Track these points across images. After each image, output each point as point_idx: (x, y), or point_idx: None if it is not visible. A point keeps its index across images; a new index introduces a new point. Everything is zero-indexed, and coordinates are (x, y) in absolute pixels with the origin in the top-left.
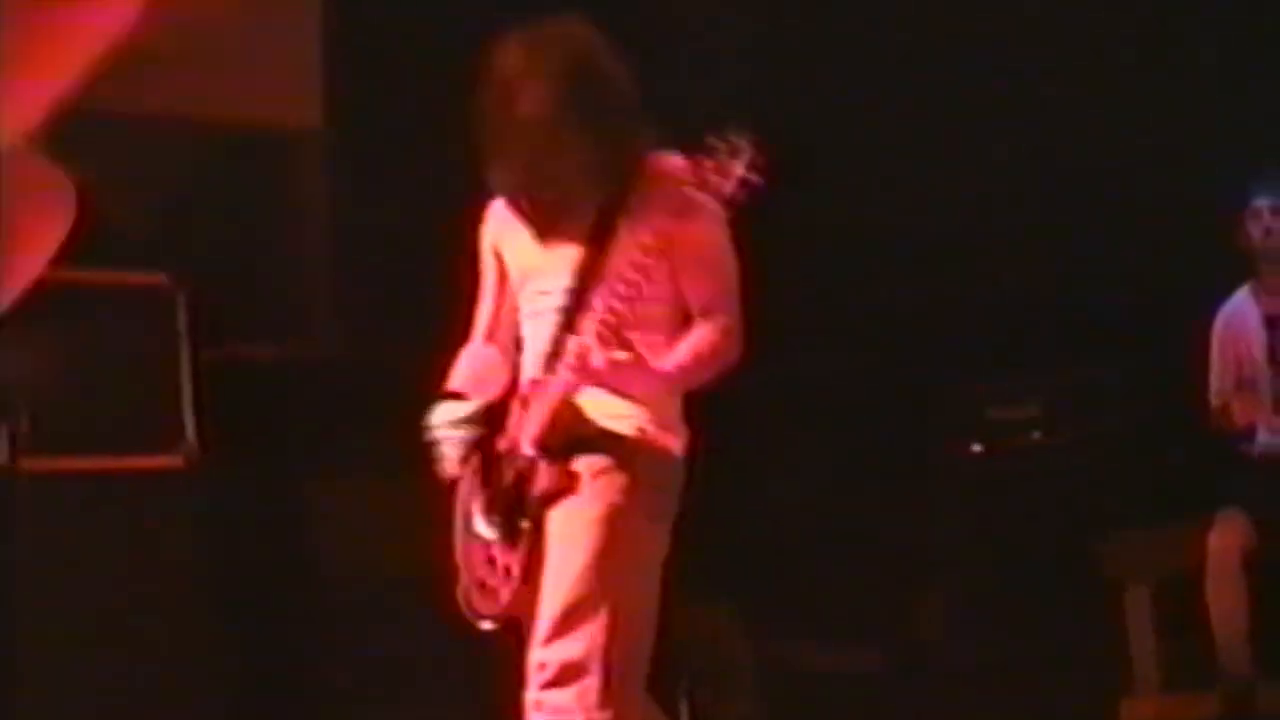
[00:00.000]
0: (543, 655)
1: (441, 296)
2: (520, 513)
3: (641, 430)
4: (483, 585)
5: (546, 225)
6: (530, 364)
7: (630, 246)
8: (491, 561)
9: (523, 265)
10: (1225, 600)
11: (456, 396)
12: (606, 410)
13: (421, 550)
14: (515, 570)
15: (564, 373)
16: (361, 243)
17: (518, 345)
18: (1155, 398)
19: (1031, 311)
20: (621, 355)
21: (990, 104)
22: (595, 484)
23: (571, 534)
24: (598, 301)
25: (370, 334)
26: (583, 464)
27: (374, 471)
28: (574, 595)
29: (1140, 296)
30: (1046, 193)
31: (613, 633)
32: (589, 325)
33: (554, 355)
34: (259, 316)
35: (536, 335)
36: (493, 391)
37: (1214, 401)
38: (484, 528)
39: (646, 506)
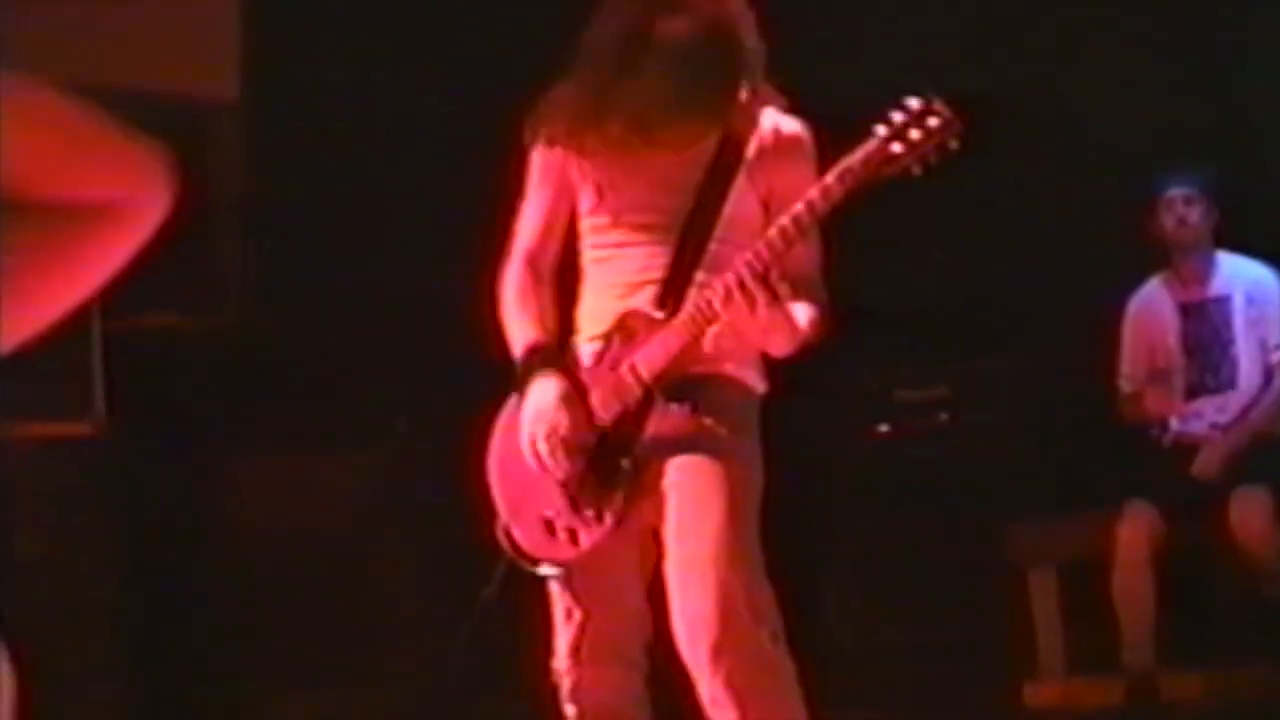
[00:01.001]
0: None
1: (354, 270)
2: (623, 453)
3: (748, 378)
4: (550, 526)
5: (652, 152)
6: (614, 294)
7: (750, 193)
8: (573, 500)
9: (606, 187)
10: (1132, 591)
11: (546, 351)
12: (724, 353)
13: (332, 521)
14: (609, 516)
15: (705, 306)
16: (275, 215)
17: (567, 272)
18: (1064, 384)
19: (942, 295)
20: (787, 295)
21: (896, 90)
22: (722, 435)
23: (705, 497)
24: (722, 244)
25: (282, 306)
26: (707, 410)
27: (284, 442)
28: (728, 558)
29: (1050, 283)
30: (955, 179)
31: (759, 594)
32: (719, 265)
33: (673, 285)
34: (170, 286)
35: (628, 265)
36: (553, 331)
37: (1125, 389)
38: (565, 464)
39: (759, 459)
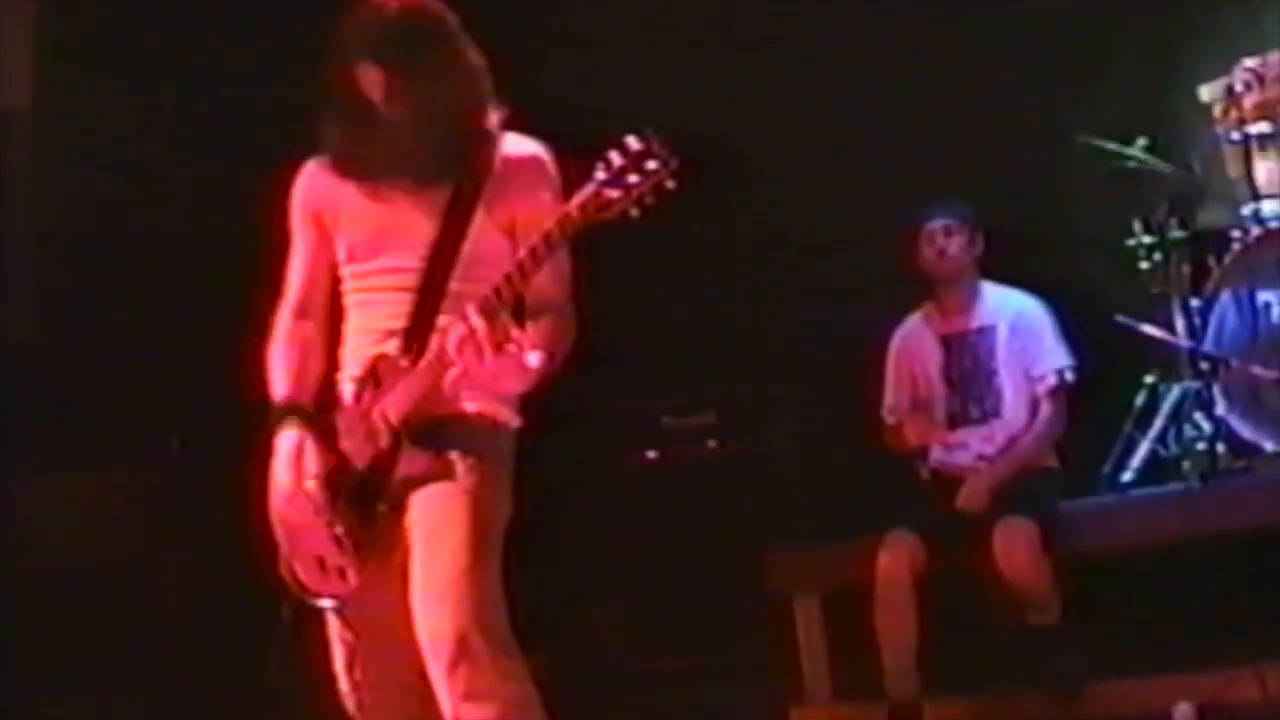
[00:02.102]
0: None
1: (144, 285)
2: (377, 495)
3: (499, 414)
4: (323, 563)
5: (394, 199)
6: (370, 339)
7: (490, 228)
8: (338, 540)
9: (358, 237)
10: (893, 620)
11: (292, 406)
12: (468, 394)
13: (116, 540)
14: (371, 553)
15: (441, 352)
16: (65, 228)
17: (334, 316)
18: (830, 412)
19: (710, 323)
20: (516, 339)
21: (665, 111)
22: (462, 471)
23: (444, 526)
24: (464, 283)
25: (70, 320)
26: (449, 449)
27: (70, 459)
28: (461, 584)
29: (818, 312)
30: (726, 208)
31: (491, 610)
32: (461, 307)
33: (415, 333)
34: None
35: (380, 311)
36: (315, 375)
37: (888, 419)
38: (329, 506)
39: (504, 490)
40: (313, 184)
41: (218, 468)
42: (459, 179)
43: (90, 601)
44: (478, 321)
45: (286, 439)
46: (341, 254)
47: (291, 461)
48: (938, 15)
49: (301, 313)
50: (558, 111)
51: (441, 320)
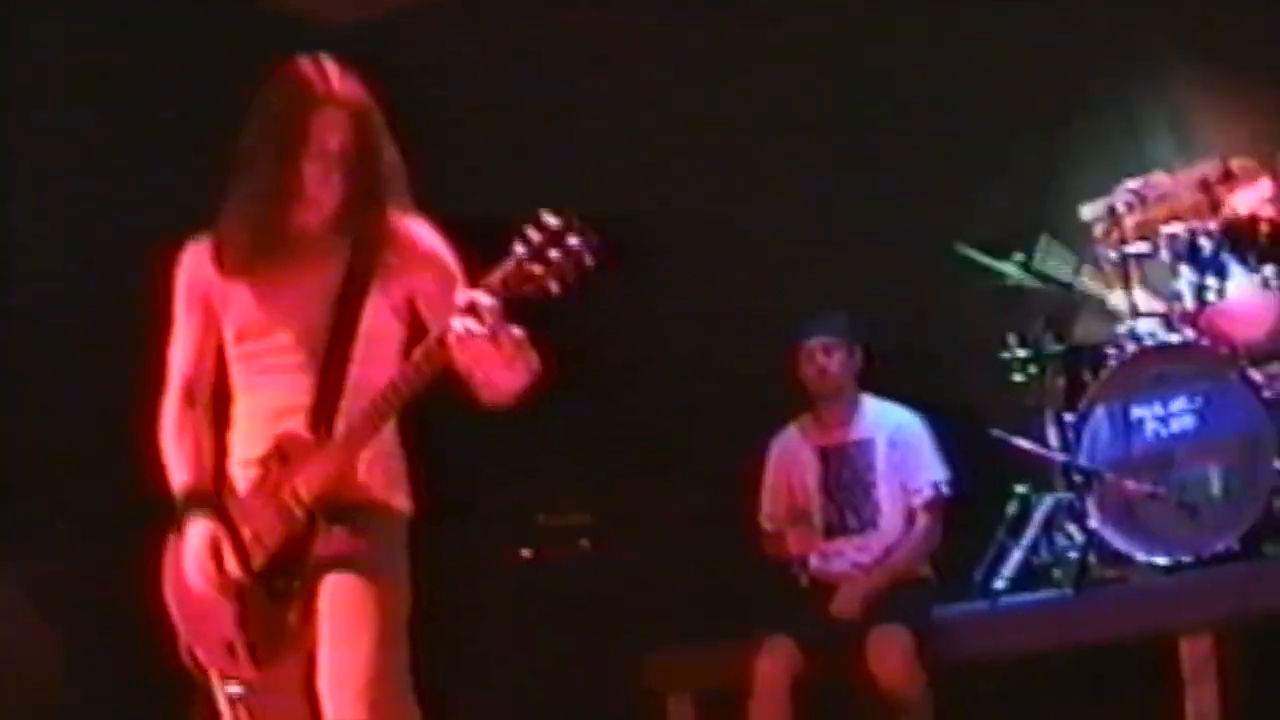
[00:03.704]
0: None
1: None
2: (291, 573)
3: (394, 499)
4: (231, 647)
5: (286, 279)
6: (266, 419)
7: (385, 307)
8: (248, 625)
9: (249, 318)
10: None
11: (197, 493)
12: (374, 477)
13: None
14: (284, 636)
15: (355, 432)
16: None
17: (220, 396)
18: (705, 516)
19: (589, 424)
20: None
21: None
22: (375, 556)
23: (356, 616)
24: (364, 364)
25: None
26: (362, 530)
27: None
28: (376, 675)
29: (699, 417)
30: (609, 313)
31: (406, 705)
32: (364, 386)
33: (321, 411)
34: None
35: (276, 391)
36: (210, 460)
37: (766, 527)
38: (241, 588)
39: (406, 579)
40: (199, 264)
41: (106, 557)
42: (353, 259)
43: None
44: (486, 302)
45: (197, 527)
46: (230, 335)
47: (204, 548)
48: (823, 123)
49: (189, 398)
50: (464, 195)
51: (344, 402)
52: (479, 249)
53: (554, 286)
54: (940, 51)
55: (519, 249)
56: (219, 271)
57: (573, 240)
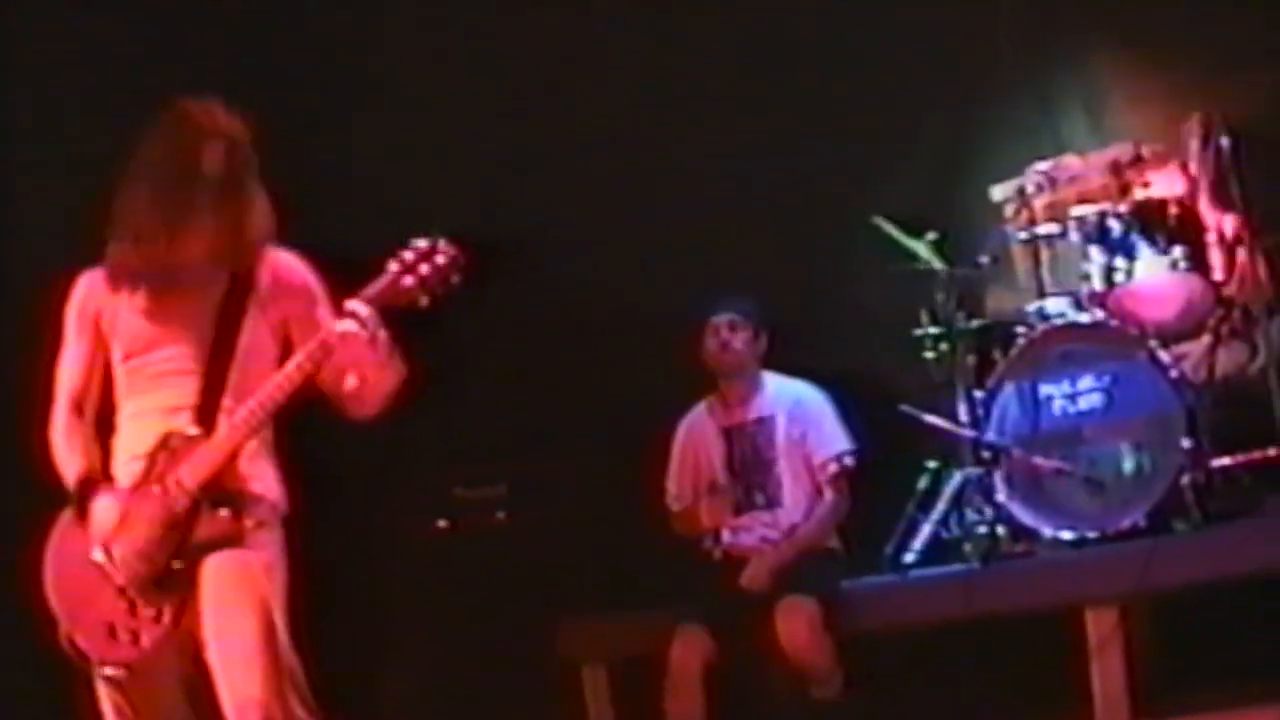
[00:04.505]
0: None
1: None
2: (174, 556)
3: (274, 490)
4: (112, 629)
5: (171, 304)
6: (152, 419)
7: (263, 325)
8: (131, 606)
9: (136, 339)
10: (683, 708)
11: (93, 479)
12: (254, 470)
13: None
14: (166, 615)
15: (239, 427)
16: None
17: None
18: (619, 489)
19: (505, 398)
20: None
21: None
22: (255, 538)
23: (240, 594)
24: (243, 373)
25: None
26: (243, 514)
27: None
28: (263, 643)
29: (609, 394)
30: (524, 294)
31: (297, 677)
32: (242, 392)
33: (205, 411)
34: None
35: (163, 394)
36: (99, 461)
37: (673, 506)
38: (120, 567)
39: (281, 556)
40: (91, 291)
41: None
42: (232, 285)
43: None
44: (365, 311)
45: (104, 506)
46: (118, 355)
47: (119, 522)
48: (731, 101)
49: (77, 409)
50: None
51: (227, 402)
52: (346, 278)
53: (424, 300)
54: (852, 31)
55: (393, 266)
56: (111, 296)
57: (440, 259)
